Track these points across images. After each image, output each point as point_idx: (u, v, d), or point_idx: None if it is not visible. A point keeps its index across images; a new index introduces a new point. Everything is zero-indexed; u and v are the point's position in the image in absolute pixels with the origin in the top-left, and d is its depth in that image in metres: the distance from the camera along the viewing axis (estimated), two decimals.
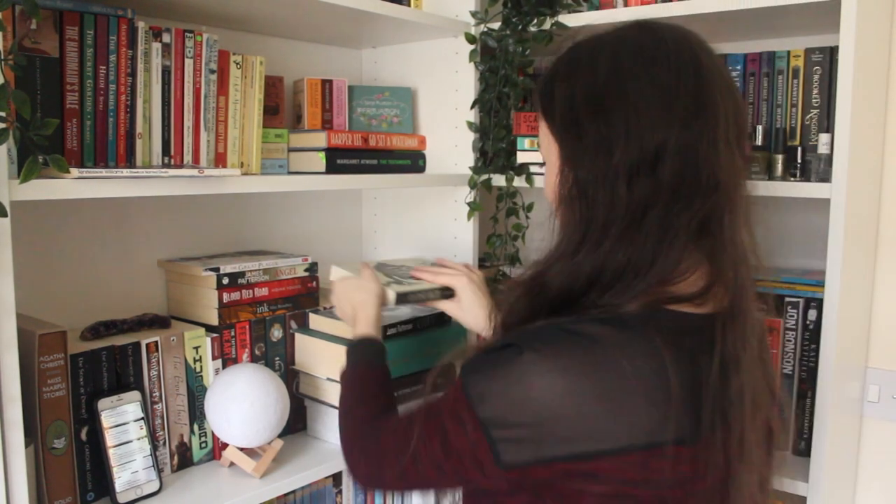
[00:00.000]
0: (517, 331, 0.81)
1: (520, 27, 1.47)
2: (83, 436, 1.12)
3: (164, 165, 1.16)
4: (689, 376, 0.76)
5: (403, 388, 1.34)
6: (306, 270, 1.42)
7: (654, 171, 0.77)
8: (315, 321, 1.40)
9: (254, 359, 1.34)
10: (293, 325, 1.40)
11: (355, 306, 1.17)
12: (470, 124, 1.55)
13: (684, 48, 0.81)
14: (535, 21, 1.46)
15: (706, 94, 0.80)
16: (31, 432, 1.03)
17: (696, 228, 0.79)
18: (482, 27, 1.52)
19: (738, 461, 0.79)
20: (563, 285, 0.81)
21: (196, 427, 1.26)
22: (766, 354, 0.89)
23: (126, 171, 1.00)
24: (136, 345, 1.18)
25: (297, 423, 1.40)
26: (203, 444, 1.28)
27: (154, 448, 1.18)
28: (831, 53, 1.31)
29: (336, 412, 1.35)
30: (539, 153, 0.91)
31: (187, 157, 1.19)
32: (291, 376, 1.40)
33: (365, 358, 1.10)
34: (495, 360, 0.78)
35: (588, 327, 0.77)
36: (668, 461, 0.74)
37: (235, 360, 1.31)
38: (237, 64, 1.26)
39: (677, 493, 0.76)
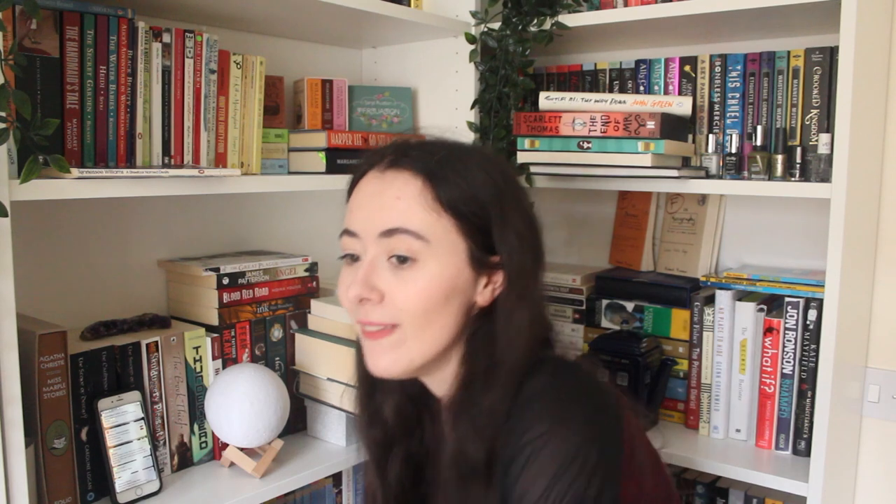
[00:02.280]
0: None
1: (520, 27, 1.47)
2: (83, 436, 1.12)
3: (164, 165, 1.16)
4: None
5: None
6: (306, 270, 1.42)
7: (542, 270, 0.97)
8: (315, 321, 1.40)
9: (254, 359, 1.34)
10: (293, 325, 1.40)
11: None
12: (470, 124, 1.55)
13: None
14: (535, 21, 1.46)
15: None
16: (31, 432, 1.03)
17: None
18: (482, 27, 1.52)
19: None
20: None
21: (196, 427, 1.26)
22: None
23: (126, 171, 1.00)
24: (136, 345, 1.18)
25: (297, 423, 1.40)
26: (203, 444, 1.28)
27: (154, 448, 1.18)
28: (831, 53, 1.31)
29: (335, 412, 1.36)
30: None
31: (187, 157, 1.19)
32: (291, 376, 1.40)
33: None
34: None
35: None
36: None
37: (235, 360, 1.31)
38: (237, 64, 1.26)
39: None
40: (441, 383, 0.93)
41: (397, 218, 0.85)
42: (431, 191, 0.85)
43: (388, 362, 0.88)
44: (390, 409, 0.99)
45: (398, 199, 0.85)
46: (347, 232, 0.90)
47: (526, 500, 0.79)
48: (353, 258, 0.90)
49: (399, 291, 0.85)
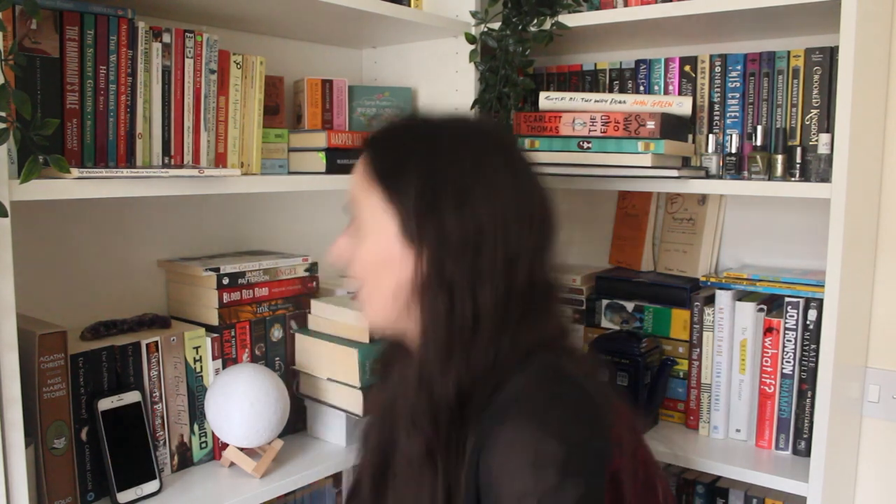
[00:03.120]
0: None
1: (520, 27, 1.47)
2: (83, 436, 1.12)
3: (164, 165, 1.16)
4: None
5: None
6: (306, 270, 1.42)
7: (511, 274, 0.84)
8: (315, 321, 1.40)
9: (254, 359, 1.34)
10: (293, 325, 1.40)
11: None
12: None
13: (524, 153, 0.95)
14: (535, 21, 1.46)
15: (547, 196, 0.93)
16: (31, 432, 1.03)
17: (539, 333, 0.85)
18: (482, 27, 1.52)
19: None
20: (458, 390, 0.82)
21: (196, 427, 1.26)
22: None
23: (126, 171, 1.00)
24: (136, 345, 1.18)
25: (297, 423, 1.40)
26: (203, 444, 1.28)
27: (154, 448, 1.18)
28: (831, 53, 1.31)
29: (335, 412, 1.36)
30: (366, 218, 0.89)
31: (187, 157, 1.19)
32: (291, 376, 1.40)
33: None
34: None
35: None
36: None
37: (235, 361, 1.31)
38: (237, 64, 1.26)
39: None
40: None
41: (350, 190, 0.92)
42: (370, 164, 0.90)
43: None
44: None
45: (356, 172, 0.92)
46: None
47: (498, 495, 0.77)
48: None
49: (351, 257, 0.92)
